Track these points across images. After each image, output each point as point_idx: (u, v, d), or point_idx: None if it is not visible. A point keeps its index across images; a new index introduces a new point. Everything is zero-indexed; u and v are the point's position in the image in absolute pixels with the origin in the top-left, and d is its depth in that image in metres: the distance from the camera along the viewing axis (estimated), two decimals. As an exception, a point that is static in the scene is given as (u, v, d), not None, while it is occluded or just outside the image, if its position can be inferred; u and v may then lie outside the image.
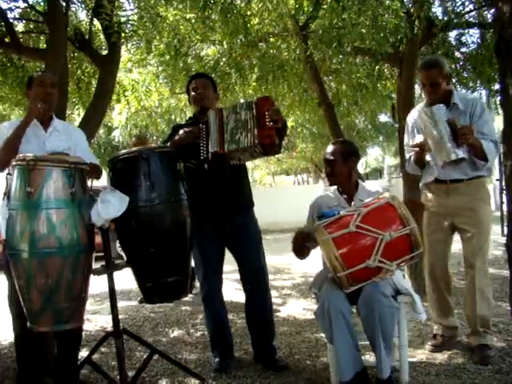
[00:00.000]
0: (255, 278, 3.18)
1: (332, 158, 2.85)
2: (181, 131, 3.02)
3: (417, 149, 3.06)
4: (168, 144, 3.03)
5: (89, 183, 2.60)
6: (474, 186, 3.07)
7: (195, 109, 3.26)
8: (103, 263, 2.62)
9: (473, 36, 6.08)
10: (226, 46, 5.92)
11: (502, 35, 2.12)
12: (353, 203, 2.81)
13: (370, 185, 3.00)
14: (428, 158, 3.11)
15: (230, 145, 2.76)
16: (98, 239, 2.55)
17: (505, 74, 2.14)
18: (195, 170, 3.02)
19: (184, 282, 2.71)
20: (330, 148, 2.89)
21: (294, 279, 6.41)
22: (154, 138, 13.97)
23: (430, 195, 3.24)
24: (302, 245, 2.77)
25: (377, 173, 31.22)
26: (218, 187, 3.06)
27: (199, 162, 2.91)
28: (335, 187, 2.97)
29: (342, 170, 2.84)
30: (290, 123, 8.64)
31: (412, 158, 3.21)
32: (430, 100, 3.11)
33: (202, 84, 3.19)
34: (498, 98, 6.59)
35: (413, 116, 3.29)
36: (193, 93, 3.21)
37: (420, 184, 3.39)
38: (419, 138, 3.04)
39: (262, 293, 3.21)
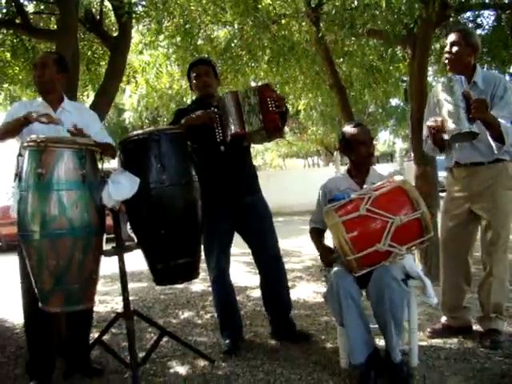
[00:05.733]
0: (271, 258, 3.26)
1: (369, 138, 2.87)
2: (197, 112, 3.02)
3: (432, 127, 2.87)
4: (181, 123, 3.04)
5: (100, 165, 2.59)
6: (496, 171, 2.93)
7: (198, 95, 3.31)
8: (114, 245, 2.63)
9: (488, 18, 5.97)
10: (236, 28, 5.86)
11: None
12: (364, 186, 2.79)
13: (381, 169, 2.98)
14: (446, 137, 2.87)
15: (249, 126, 2.85)
16: (109, 221, 2.56)
17: None
18: (206, 151, 3.08)
19: (194, 263, 2.72)
20: (359, 130, 2.85)
21: (303, 262, 6.42)
22: (165, 119, 13.97)
23: (451, 179, 3.14)
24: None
25: (387, 156, 31.03)
26: (232, 168, 3.12)
27: (215, 144, 2.98)
28: (345, 170, 2.96)
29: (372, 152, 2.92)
30: (301, 106, 8.58)
31: (430, 137, 3.05)
32: (448, 63, 2.99)
33: (205, 71, 3.23)
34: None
35: (435, 90, 3.07)
36: (195, 80, 3.25)
37: (444, 168, 3.32)
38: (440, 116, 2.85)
39: (279, 270, 3.29)
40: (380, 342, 2.81)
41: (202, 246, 3.13)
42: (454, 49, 2.95)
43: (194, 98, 3.50)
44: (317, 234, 2.98)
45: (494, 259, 2.95)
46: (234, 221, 3.20)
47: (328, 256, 2.79)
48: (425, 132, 3.15)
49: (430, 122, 2.89)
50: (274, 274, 3.29)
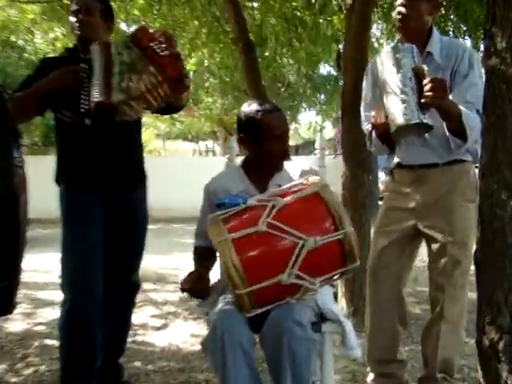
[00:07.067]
0: (130, 284, 3.47)
1: (287, 130, 2.89)
2: (55, 73, 3.05)
3: (376, 120, 2.92)
4: (32, 87, 3.04)
5: None
6: (454, 175, 3.01)
7: (75, 41, 3.38)
8: None
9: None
10: None
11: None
12: (268, 189, 2.79)
13: (295, 165, 2.98)
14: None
15: (119, 94, 2.86)
16: None
17: (493, 20, 2.12)
18: (72, 125, 3.16)
19: (9, 290, 2.61)
20: (275, 118, 2.80)
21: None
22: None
23: (391, 185, 3.22)
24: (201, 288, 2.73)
25: (312, 146, 31.89)
26: (104, 150, 3.20)
27: (79, 115, 3.05)
28: (239, 165, 2.98)
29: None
30: (190, 65, 8.53)
31: (374, 131, 3.10)
32: (400, 22, 3.03)
33: (86, 6, 3.24)
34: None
35: (376, 62, 3.08)
36: (71, 18, 3.28)
37: (380, 168, 3.38)
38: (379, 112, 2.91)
39: (132, 303, 3.55)
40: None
41: (61, 254, 3.21)
42: (411, 1, 3.00)
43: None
44: (201, 258, 2.96)
45: (448, 296, 3.01)
46: (104, 221, 3.27)
47: (194, 280, 2.71)
48: (365, 125, 3.23)
49: (375, 111, 2.93)
50: (126, 305, 3.51)
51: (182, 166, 16.31)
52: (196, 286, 2.67)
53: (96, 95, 2.88)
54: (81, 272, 3.16)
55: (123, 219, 3.32)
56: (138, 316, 4.57)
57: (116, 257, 3.36)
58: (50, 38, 8.99)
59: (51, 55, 8.21)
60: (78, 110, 3.04)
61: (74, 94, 3.02)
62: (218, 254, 2.59)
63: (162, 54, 2.86)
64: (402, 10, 3.01)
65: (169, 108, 3.20)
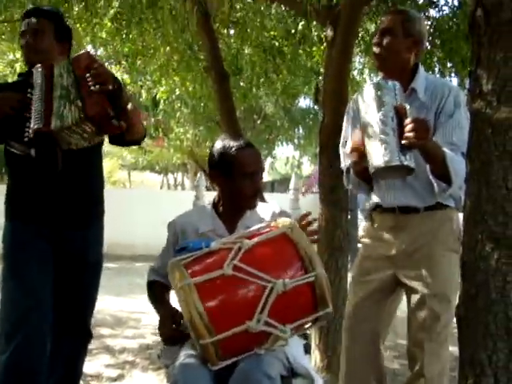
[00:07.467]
0: (81, 333, 3.35)
1: (261, 168, 2.93)
2: None
3: (354, 155, 2.89)
4: None
5: None
6: (435, 222, 2.98)
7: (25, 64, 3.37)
8: None
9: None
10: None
11: (482, 1, 2.11)
12: (237, 229, 2.81)
13: (267, 207, 2.99)
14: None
15: (59, 120, 2.81)
16: None
17: (478, 61, 2.13)
18: (19, 156, 3.09)
19: None
20: (248, 155, 2.84)
21: (142, 337, 6.37)
22: None
23: (370, 230, 3.19)
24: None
25: (288, 182, 31.88)
26: (49, 183, 3.14)
27: (24, 144, 2.97)
28: (211, 203, 2.97)
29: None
30: (160, 93, 8.55)
31: (352, 167, 3.07)
32: (376, 60, 3.08)
33: (33, 28, 3.19)
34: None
35: (357, 100, 3.06)
36: (21, 40, 3.27)
37: (359, 210, 3.34)
38: (357, 136, 2.88)
39: (83, 352, 3.43)
40: None
41: (0, 294, 3.12)
42: (386, 40, 3.01)
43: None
44: (160, 291, 2.94)
45: (428, 352, 2.96)
46: (54, 258, 3.18)
47: (170, 326, 2.71)
48: (344, 161, 3.21)
49: (353, 141, 2.89)
50: (76, 355, 3.38)
51: (148, 200, 16.24)
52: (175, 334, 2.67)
53: (36, 122, 2.84)
54: (24, 316, 3.04)
55: (73, 259, 3.23)
56: (91, 365, 4.50)
57: (65, 301, 3.25)
58: (8, 60, 8.97)
59: (9, 78, 8.22)
60: (22, 139, 2.95)
61: (19, 122, 2.94)
62: (178, 301, 2.55)
63: (91, 88, 2.79)
64: (376, 50, 3.05)
65: (122, 141, 3.21)
